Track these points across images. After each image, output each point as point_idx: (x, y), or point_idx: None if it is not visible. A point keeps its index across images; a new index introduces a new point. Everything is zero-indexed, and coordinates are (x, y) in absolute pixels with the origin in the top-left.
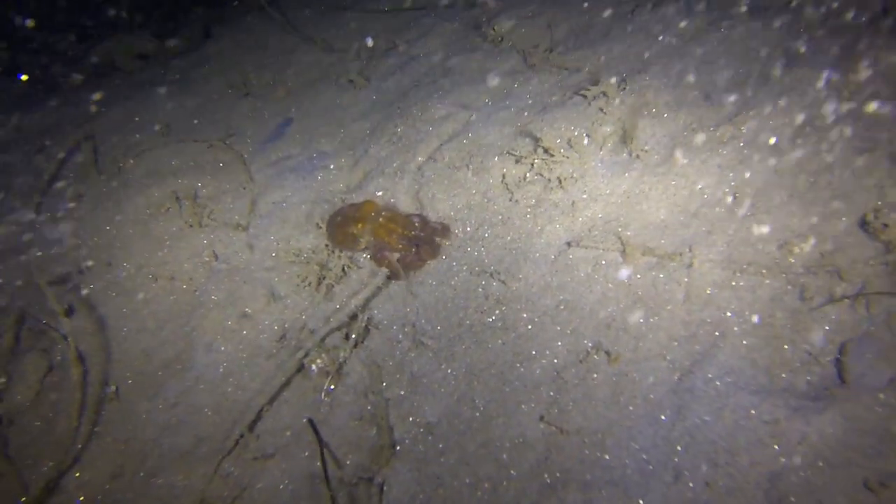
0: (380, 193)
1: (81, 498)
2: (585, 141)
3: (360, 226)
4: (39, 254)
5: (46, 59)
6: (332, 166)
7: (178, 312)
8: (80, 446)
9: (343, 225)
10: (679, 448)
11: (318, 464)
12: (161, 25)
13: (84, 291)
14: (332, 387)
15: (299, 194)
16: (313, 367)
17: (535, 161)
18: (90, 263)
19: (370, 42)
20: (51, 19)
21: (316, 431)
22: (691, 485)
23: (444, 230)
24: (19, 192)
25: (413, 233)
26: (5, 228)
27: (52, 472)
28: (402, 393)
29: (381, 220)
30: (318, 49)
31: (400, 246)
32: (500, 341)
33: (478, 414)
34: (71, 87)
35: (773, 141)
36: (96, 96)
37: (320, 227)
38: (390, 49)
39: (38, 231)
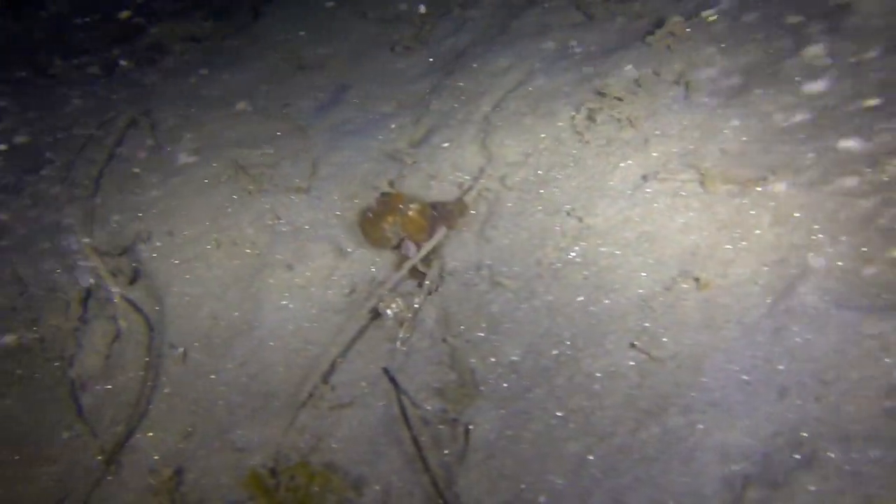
0: (445, 145)
1: (156, 457)
2: (654, 80)
3: (390, 219)
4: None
5: (97, 43)
6: (392, 125)
7: (242, 275)
8: (150, 407)
9: (374, 221)
10: (780, 367)
11: (397, 410)
12: (209, 8)
13: (147, 260)
14: (408, 335)
15: (361, 154)
16: (388, 311)
17: (604, 103)
18: (152, 234)
19: (423, 9)
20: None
21: (392, 379)
22: (799, 401)
23: (461, 208)
24: (80, 169)
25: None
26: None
27: (124, 432)
28: (482, 335)
29: (410, 213)
30: (369, 20)
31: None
32: (581, 276)
33: (564, 348)
34: (123, 70)
35: None
36: (150, 76)
37: (385, 185)
38: (444, 14)
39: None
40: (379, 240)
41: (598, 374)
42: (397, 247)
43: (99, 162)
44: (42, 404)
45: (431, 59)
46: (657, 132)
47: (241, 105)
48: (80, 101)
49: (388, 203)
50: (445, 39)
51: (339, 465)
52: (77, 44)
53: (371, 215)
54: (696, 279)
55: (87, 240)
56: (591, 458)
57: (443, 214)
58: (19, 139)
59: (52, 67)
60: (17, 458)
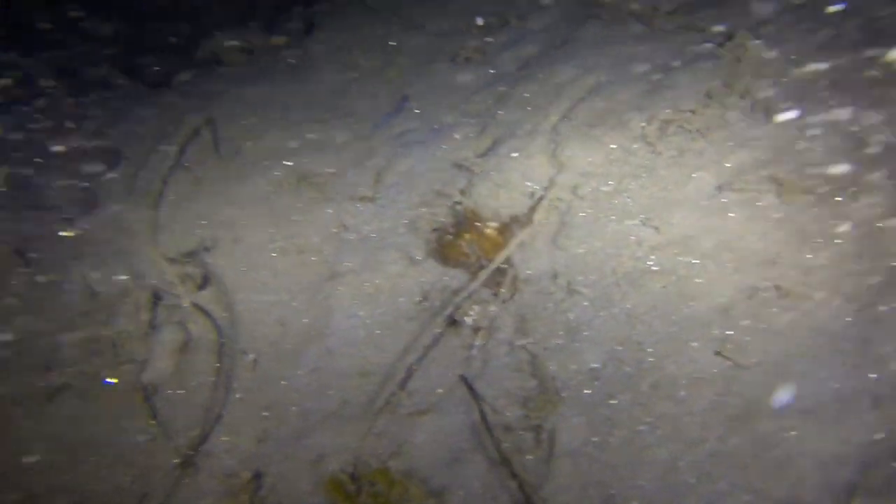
0: (514, 155)
1: (231, 461)
2: (724, 91)
3: (467, 237)
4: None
5: (153, 57)
6: (456, 135)
7: (310, 283)
8: (223, 412)
9: (451, 240)
10: (872, 376)
11: (477, 417)
12: (262, 22)
13: (213, 267)
14: (483, 342)
15: (426, 163)
16: (465, 318)
17: (674, 114)
18: (217, 241)
19: (480, 21)
20: (143, 25)
21: (469, 386)
22: (894, 411)
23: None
24: (145, 178)
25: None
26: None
27: (199, 435)
28: (560, 342)
29: (487, 230)
30: (427, 32)
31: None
32: (659, 285)
33: (646, 355)
34: (180, 82)
35: None
36: (208, 86)
37: (449, 195)
38: (503, 25)
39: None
40: (457, 258)
41: (684, 381)
42: (474, 262)
43: (163, 170)
44: (116, 406)
45: (493, 71)
46: (730, 143)
47: (300, 114)
48: (142, 111)
49: (465, 221)
50: (506, 50)
51: (420, 471)
52: (137, 54)
53: (447, 234)
54: (778, 287)
55: (153, 246)
56: (681, 464)
57: (516, 227)
58: (83, 145)
59: (114, 76)
60: (93, 458)
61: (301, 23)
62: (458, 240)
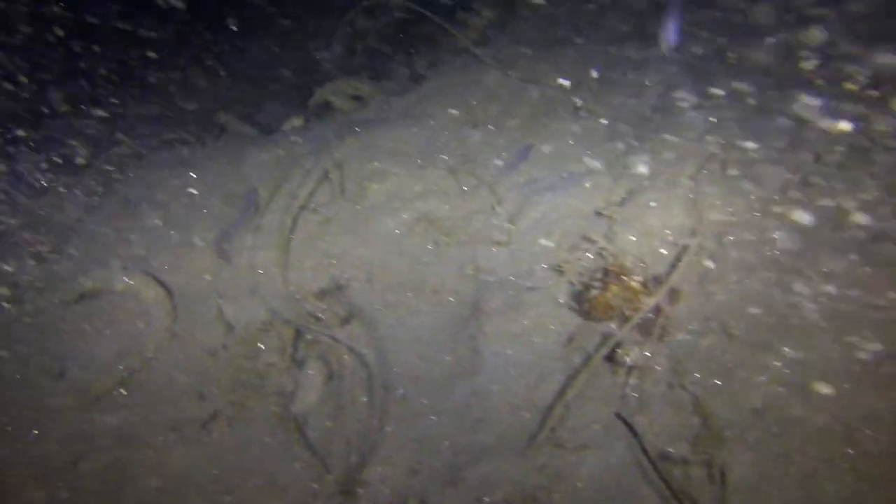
0: (653, 204)
1: (387, 491)
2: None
3: (614, 288)
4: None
5: (268, 104)
6: (587, 184)
7: (450, 322)
8: (374, 444)
9: (597, 294)
10: None
11: (639, 453)
12: (372, 69)
13: (348, 305)
14: (638, 381)
15: (558, 210)
16: (620, 358)
17: (819, 167)
18: (350, 280)
19: (595, 74)
20: (256, 75)
21: (626, 423)
22: None
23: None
24: (274, 219)
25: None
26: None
27: (355, 466)
28: (719, 382)
29: (632, 283)
30: (541, 85)
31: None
32: (819, 328)
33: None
34: (295, 128)
35: None
36: (325, 132)
37: (594, 241)
38: (618, 79)
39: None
40: (604, 309)
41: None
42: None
43: (293, 210)
44: (267, 434)
45: (611, 123)
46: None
47: (421, 159)
48: (262, 154)
49: (610, 272)
50: (624, 104)
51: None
52: (250, 102)
53: (593, 287)
54: None
55: (287, 283)
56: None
57: (662, 273)
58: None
59: (229, 122)
60: (250, 483)
61: (410, 72)
62: (605, 293)
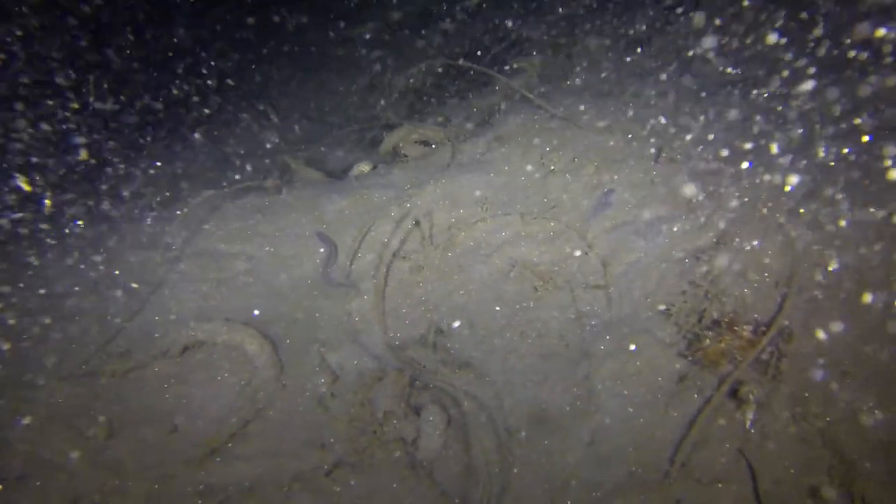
0: (750, 246)
1: None
2: None
3: (727, 338)
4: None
5: (337, 150)
6: (675, 228)
7: (559, 363)
8: (505, 486)
9: (709, 345)
10: None
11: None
12: (435, 115)
13: (451, 350)
14: (757, 416)
15: (651, 254)
16: (749, 395)
17: None
18: (451, 326)
19: (664, 120)
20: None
21: (746, 458)
22: None
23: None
24: (363, 268)
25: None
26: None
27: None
28: (840, 416)
29: (744, 332)
30: (613, 132)
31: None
32: None
33: None
34: (363, 173)
35: None
36: (399, 177)
37: (698, 284)
38: (688, 125)
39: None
40: (717, 358)
41: None
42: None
43: (385, 258)
44: (398, 482)
45: (689, 171)
46: None
47: (502, 206)
48: (341, 202)
49: (723, 325)
50: (695, 149)
51: None
52: (314, 147)
53: (707, 339)
54: None
55: (388, 330)
56: None
57: (769, 312)
58: (294, 239)
59: (298, 168)
60: None
61: (473, 119)
62: (718, 344)
